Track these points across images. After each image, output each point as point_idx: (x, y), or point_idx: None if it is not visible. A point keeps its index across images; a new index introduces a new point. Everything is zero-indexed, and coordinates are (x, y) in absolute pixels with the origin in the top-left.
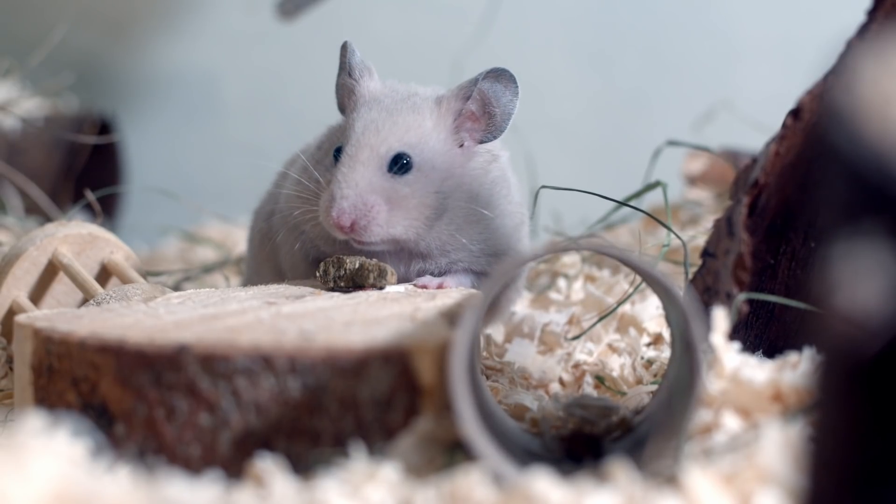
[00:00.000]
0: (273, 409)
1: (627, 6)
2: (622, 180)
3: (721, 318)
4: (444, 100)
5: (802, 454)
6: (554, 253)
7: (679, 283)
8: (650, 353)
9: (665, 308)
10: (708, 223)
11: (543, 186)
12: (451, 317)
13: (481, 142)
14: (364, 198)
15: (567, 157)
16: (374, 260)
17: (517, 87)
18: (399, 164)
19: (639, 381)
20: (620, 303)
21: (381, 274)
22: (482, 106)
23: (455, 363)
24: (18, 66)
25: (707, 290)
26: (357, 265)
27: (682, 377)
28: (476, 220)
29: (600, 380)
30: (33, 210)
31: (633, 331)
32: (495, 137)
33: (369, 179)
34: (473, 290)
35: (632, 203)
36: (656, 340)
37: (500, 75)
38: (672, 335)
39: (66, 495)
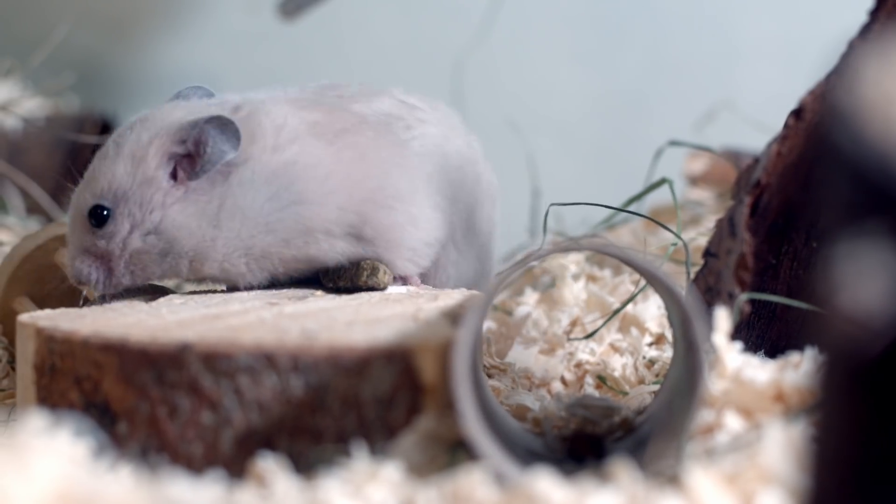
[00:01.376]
0: (275, 408)
1: (629, 6)
2: (624, 180)
3: (723, 319)
4: (157, 137)
5: (805, 454)
6: (556, 252)
7: (681, 283)
8: (652, 352)
9: (667, 308)
10: (709, 223)
11: (553, 204)
12: (453, 317)
13: (192, 178)
14: (77, 264)
15: (569, 158)
16: (370, 259)
17: (238, 140)
18: (97, 218)
19: (641, 381)
20: (625, 304)
21: (374, 272)
22: (196, 147)
23: (457, 362)
24: (20, 65)
25: (709, 290)
26: (355, 266)
27: (684, 377)
28: (196, 249)
29: (602, 380)
30: (35, 210)
31: (634, 330)
32: (199, 177)
33: (78, 241)
34: (475, 291)
35: (637, 201)
36: (658, 340)
37: (224, 125)
38: (674, 335)
39: (68, 495)
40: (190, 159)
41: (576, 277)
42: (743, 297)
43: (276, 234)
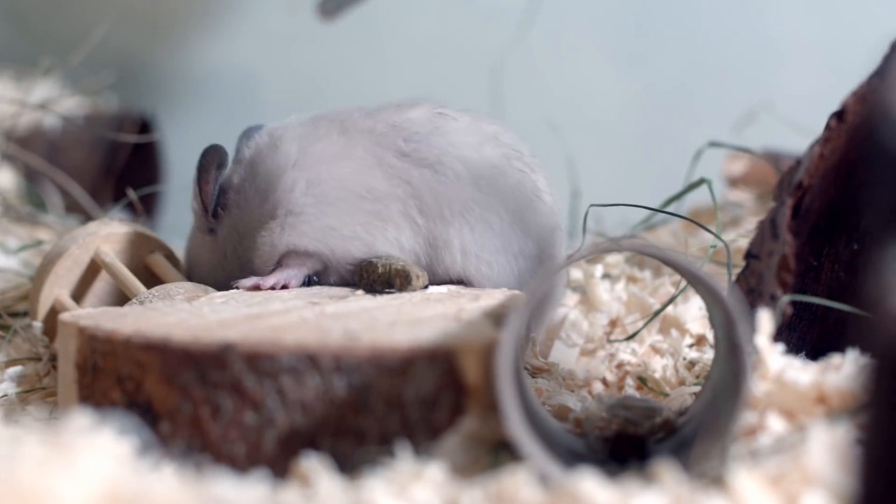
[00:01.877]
0: (318, 408)
1: (667, 7)
2: (662, 181)
3: (765, 320)
4: None
5: (850, 456)
6: (598, 253)
7: (722, 284)
8: (693, 354)
9: (709, 309)
10: (749, 225)
11: (593, 205)
12: (495, 317)
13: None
14: None
15: (607, 158)
16: (402, 263)
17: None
18: None
19: (681, 383)
20: (666, 305)
21: (406, 280)
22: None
23: (501, 363)
24: (59, 64)
25: (751, 291)
26: (389, 270)
27: (727, 379)
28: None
29: (643, 381)
30: (73, 208)
31: (675, 332)
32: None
33: None
34: (517, 292)
35: (676, 201)
36: (699, 342)
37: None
38: (716, 336)
39: (115, 494)
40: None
41: (615, 279)
42: (785, 299)
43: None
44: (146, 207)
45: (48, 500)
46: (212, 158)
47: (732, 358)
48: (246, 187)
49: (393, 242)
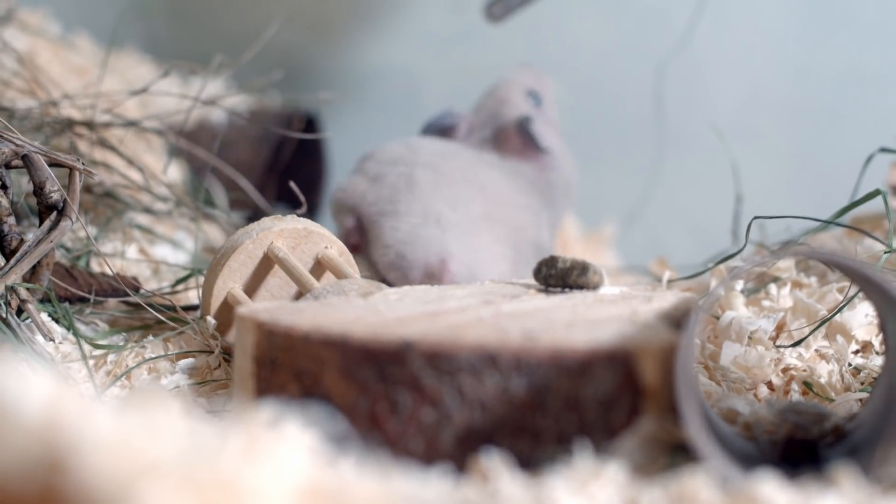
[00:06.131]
0: (497, 407)
1: (829, 14)
2: (823, 186)
3: None
4: None
5: None
6: (777, 258)
7: None
8: (858, 360)
9: (882, 315)
10: None
11: (757, 217)
12: (670, 319)
13: None
14: None
15: (768, 162)
16: (582, 259)
17: None
18: None
19: (847, 389)
20: (838, 310)
21: (583, 272)
22: None
23: (680, 367)
24: (229, 62)
25: None
26: (568, 264)
27: None
28: None
29: (808, 386)
30: (238, 203)
31: (840, 338)
32: None
33: None
34: (688, 294)
35: (849, 211)
36: (864, 348)
37: None
38: (888, 343)
39: (315, 487)
40: None
41: (783, 283)
42: None
43: None
44: (309, 204)
45: (251, 494)
46: None
47: None
48: None
49: None
